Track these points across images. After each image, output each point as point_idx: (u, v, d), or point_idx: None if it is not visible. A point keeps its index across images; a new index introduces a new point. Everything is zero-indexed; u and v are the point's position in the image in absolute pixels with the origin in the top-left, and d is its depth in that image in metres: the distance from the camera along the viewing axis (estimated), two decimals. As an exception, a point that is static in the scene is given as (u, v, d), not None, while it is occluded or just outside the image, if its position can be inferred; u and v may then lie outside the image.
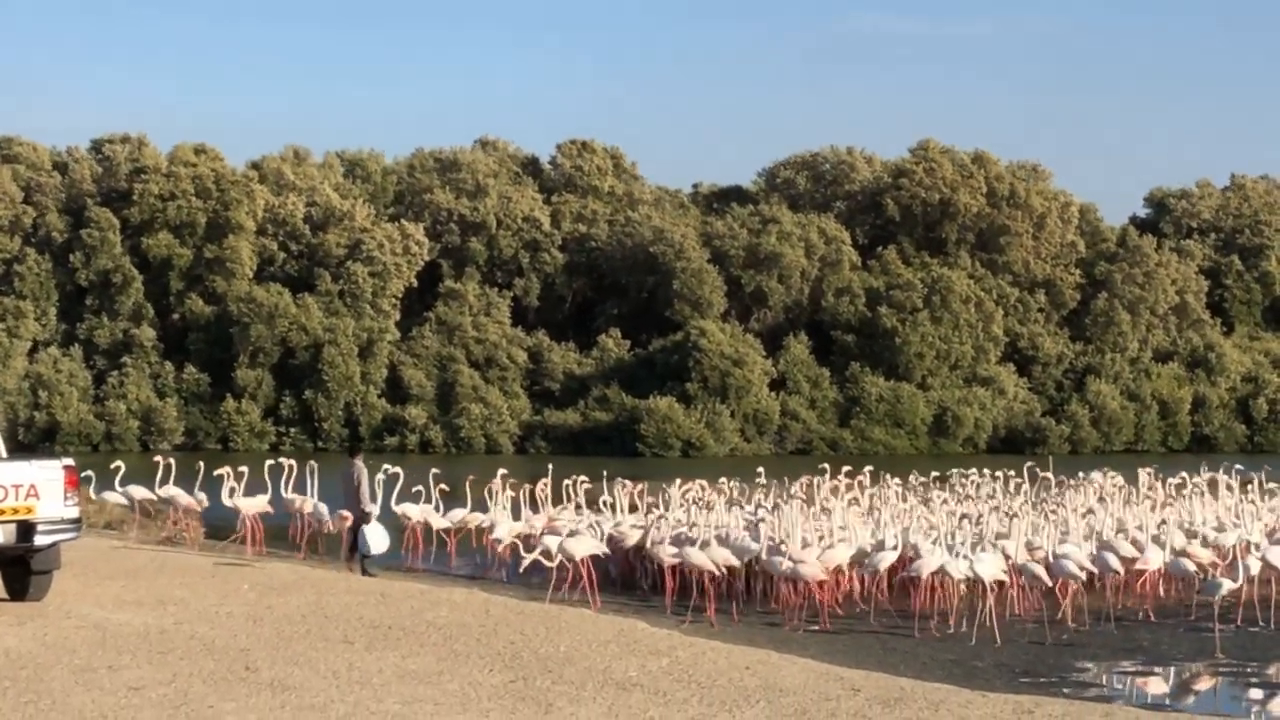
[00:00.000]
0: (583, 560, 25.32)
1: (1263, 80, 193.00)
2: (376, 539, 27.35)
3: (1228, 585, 22.77)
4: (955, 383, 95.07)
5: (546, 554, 25.22)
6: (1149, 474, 33.46)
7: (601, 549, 26.36)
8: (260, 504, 31.84)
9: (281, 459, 33.31)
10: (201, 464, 34.70)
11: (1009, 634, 23.11)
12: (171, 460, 34.01)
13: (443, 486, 32.06)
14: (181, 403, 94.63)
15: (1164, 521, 28.15)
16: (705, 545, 25.12)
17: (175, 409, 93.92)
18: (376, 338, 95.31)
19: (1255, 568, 24.72)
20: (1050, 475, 33.76)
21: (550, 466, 33.11)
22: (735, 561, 25.41)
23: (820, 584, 24.20)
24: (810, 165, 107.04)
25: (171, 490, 33.20)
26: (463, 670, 16.68)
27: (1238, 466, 33.06)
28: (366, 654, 17.54)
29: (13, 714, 13.96)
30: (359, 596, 22.55)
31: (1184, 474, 32.77)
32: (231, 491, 31.91)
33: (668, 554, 25.32)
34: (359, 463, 28.68)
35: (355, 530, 27.82)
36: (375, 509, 28.33)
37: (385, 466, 31.42)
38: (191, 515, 33.55)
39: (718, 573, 24.85)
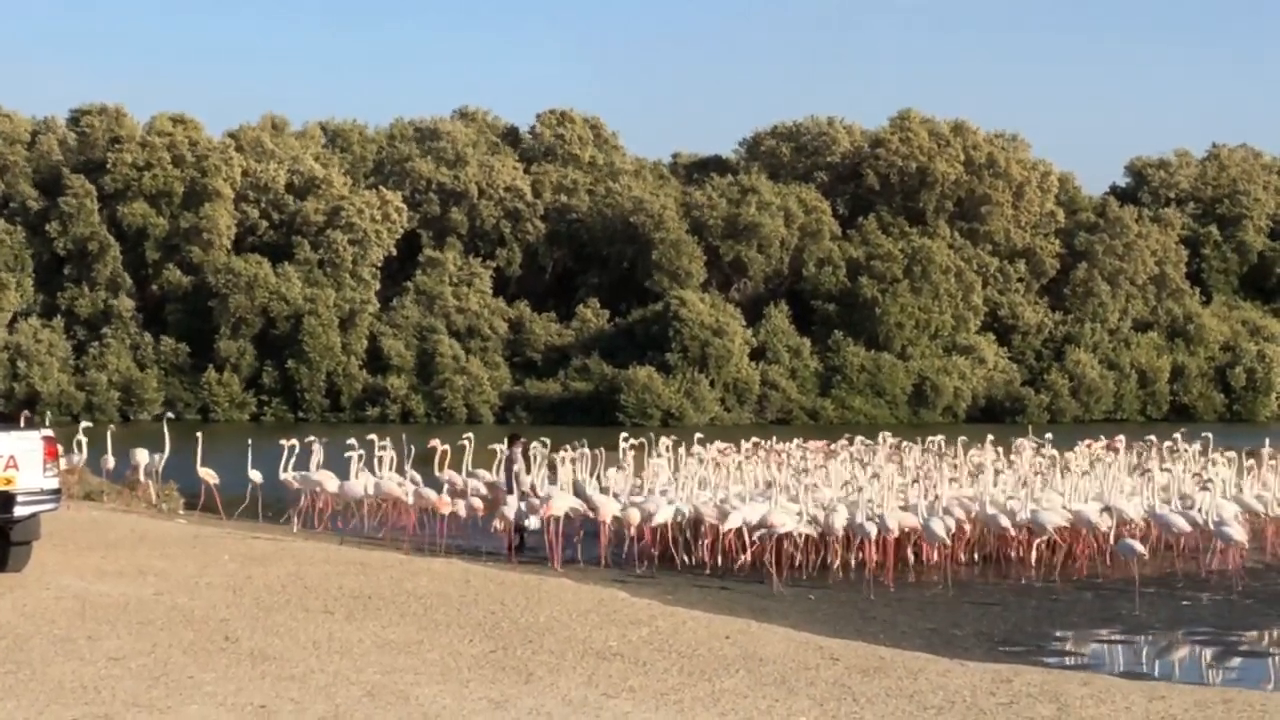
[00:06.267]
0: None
1: (1242, 49, 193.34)
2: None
3: (1139, 547, 24.35)
4: (935, 352, 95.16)
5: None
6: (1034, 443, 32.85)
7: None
8: (403, 487, 30.22)
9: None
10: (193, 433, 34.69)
11: (987, 601, 23.23)
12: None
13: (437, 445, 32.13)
14: (162, 373, 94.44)
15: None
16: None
17: (155, 379, 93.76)
18: (358, 308, 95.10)
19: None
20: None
21: (585, 439, 32.97)
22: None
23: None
24: (791, 135, 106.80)
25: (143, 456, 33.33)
26: (443, 640, 16.69)
27: (1206, 434, 33.28)
28: (346, 624, 17.54)
29: (-8, 684, 13.96)
30: (339, 567, 22.56)
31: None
32: (317, 464, 31.47)
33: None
34: (519, 449, 29.78)
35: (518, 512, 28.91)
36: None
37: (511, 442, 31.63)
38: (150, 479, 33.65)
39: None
